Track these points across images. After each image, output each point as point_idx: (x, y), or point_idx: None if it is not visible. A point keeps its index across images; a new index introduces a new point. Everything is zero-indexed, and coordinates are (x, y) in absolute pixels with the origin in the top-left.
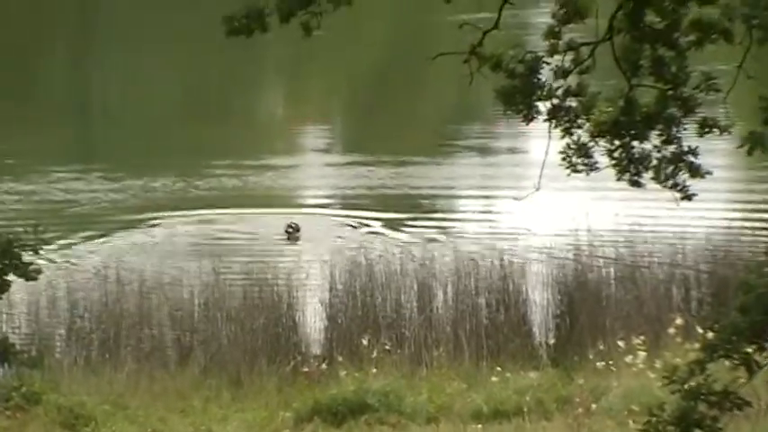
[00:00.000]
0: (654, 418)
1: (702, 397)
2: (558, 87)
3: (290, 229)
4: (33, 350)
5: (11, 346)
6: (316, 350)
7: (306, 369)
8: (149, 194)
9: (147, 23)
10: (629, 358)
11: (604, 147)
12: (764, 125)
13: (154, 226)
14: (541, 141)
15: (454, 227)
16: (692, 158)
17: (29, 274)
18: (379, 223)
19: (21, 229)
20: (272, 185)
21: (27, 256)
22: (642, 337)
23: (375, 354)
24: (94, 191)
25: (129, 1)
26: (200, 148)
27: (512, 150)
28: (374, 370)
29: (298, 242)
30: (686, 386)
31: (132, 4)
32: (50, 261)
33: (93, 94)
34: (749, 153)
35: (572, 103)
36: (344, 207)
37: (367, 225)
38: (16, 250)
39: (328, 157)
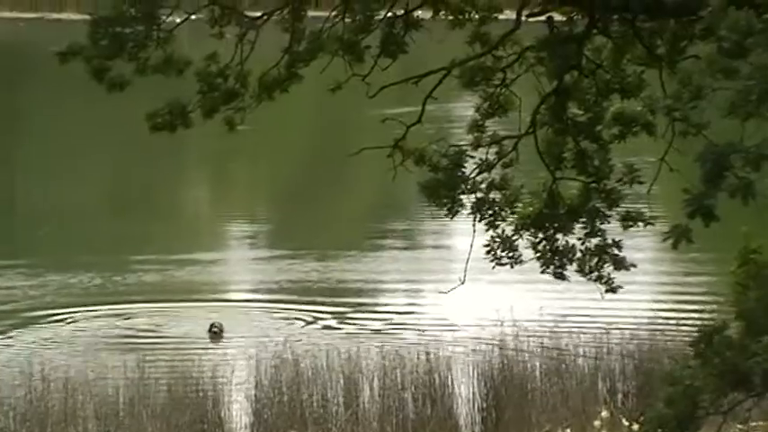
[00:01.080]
0: None
1: None
2: (482, 181)
3: (215, 329)
4: None
5: None
6: None
7: None
8: (71, 290)
9: (69, 117)
10: None
11: (529, 239)
12: (689, 218)
13: (76, 321)
14: (467, 234)
15: (380, 321)
16: (615, 251)
17: None
18: (305, 318)
19: None
20: (195, 280)
21: None
22: (568, 430)
23: None
24: (13, 287)
25: (51, 95)
26: (122, 243)
27: (437, 243)
28: None
29: (221, 341)
30: None
31: (54, 99)
32: None
33: (13, 190)
34: (674, 246)
35: (496, 196)
36: (269, 302)
37: (292, 320)
38: None
39: (253, 252)
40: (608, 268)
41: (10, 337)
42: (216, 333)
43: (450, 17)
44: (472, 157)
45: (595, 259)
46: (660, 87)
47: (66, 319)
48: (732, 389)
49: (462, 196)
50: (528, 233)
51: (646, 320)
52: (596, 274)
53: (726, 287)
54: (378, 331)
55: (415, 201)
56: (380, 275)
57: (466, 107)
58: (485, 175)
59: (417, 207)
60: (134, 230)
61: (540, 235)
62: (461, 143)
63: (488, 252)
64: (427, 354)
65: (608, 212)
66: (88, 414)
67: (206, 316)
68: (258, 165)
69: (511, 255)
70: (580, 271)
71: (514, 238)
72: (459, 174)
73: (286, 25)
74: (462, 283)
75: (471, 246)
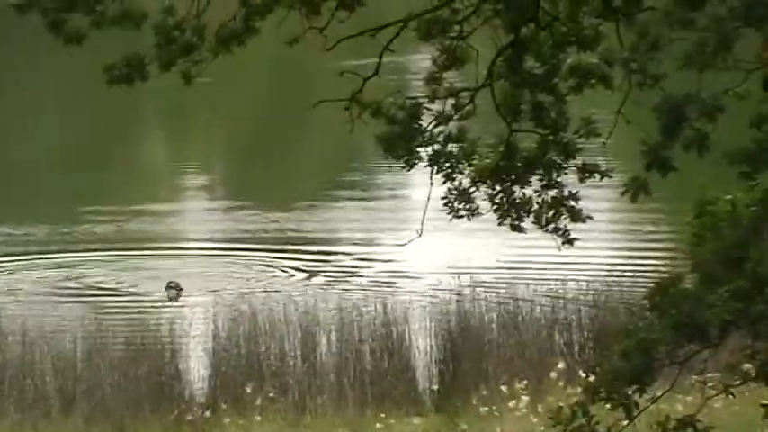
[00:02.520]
0: None
1: None
2: (439, 133)
3: (171, 288)
4: None
5: None
6: (200, 398)
7: (190, 417)
8: (23, 241)
9: (23, 71)
10: (512, 403)
11: (486, 191)
12: (646, 170)
13: (30, 272)
14: (424, 187)
15: (337, 273)
16: (572, 203)
17: None
18: (262, 270)
19: None
20: (150, 231)
21: None
22: (525, 382)
23: (259, 401)
24: None
25: (5, 48)
26: (76, 195)
27: (394, 196)
28: (258, 417)
29: (179, 300)
30: (570, 428)
31: (6, 52)
32: None
33: None
34: (632, 200)
35: (453, 148)
36: (226, 254)
37: (249, 272)
38: None
39: (209, 203)
40: (565, 220)
41: None
42: (173, 291)
43: None
44: (429, 109)
45: (552, 211)
46: (617, 40)
47: (19, 269)
48: (688, 340)
49: (419, 148)
50: (485, 185)
51: (602, 272)
52: (553, 225)
53: (682, 239)
54: (335, 284)
55: (373, 153)
56: (338, 228)
57: (423, 59)
58: (442, 127)
59: (375, 160)
60: (88, 183)
61: (497, 187)
62: (418, 96)
63: (445, 204)
64: (384, 306)
65: (565, 165)
66: (46, 367)
67: (162, 267)
68: (216, 117)
69: (468, 207)
70: (537, 223)
71: (471, 190)
72: (416, 126)
73: None
74: (420, 236)
75: (428, 198)
